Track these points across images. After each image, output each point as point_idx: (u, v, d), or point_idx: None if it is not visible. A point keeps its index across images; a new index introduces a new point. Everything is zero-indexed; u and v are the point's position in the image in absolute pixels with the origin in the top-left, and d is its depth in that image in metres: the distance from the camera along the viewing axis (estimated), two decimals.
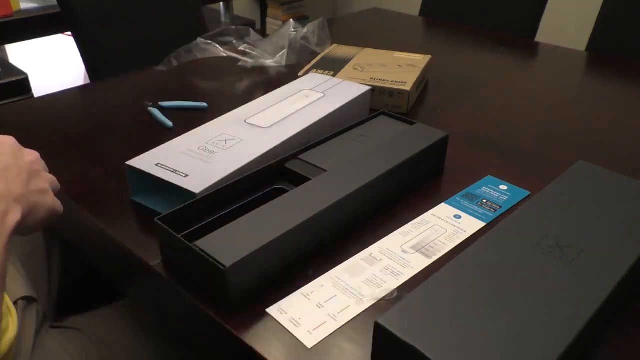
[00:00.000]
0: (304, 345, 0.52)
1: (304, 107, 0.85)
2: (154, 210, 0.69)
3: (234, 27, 1.27)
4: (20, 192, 0.50)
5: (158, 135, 0.89)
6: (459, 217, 0.70)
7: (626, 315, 0.56)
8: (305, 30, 1.26)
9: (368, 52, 1.14)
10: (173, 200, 0.67)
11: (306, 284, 0.58)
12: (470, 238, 0.66)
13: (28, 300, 0.74)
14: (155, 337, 0.78)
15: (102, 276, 0.84)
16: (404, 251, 0.63)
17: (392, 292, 0.58)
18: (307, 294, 0.57)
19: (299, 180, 0.68)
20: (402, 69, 1.05)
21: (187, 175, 0.66)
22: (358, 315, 0.55)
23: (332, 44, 1.22)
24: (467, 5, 1.64)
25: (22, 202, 0.50)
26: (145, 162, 0.69)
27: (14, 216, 0.48)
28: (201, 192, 0.64)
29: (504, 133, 0.94)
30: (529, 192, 0.75)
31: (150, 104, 0.96)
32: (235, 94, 1.07)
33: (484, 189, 0.76)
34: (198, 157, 0.70)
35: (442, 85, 1.13)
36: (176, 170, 0.67)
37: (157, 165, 0.68)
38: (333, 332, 0.53)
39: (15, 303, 0.71)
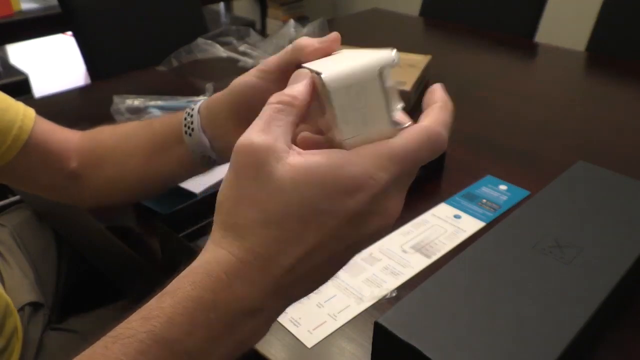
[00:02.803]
0: (304, 345, 0.52)
1: None
2: (154, 210, 0.69)
3: (234, 27, 1.27)
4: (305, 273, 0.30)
5: None
6: (459, 217, 0.70)
7: (626, 315, 0.56)
8: (305, 30, 1.26)
9: None
10: (173, 200, 0.67)
11: None
12: (470, 238, 0.66)
13: (35, 306, 0.73)
14: None
15: (102, 276, 0.84)
16: (403, 251, 0.63)
17: (392, 292, 0.58)
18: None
19: None
20: (402, 69, 1.04)
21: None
22: (358, 315, 0.55)
23: None
24: (467, 5, 1.63)
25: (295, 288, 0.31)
26: None
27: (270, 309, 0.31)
28: (201, 192, 0.64)
29: (504, 133, 0.94)
30: (529, 192, 0.75)
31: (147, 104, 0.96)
32: None
33: (484, 189, 0.76)
34: None
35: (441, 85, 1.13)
36: None
37: None
38: (333, 332, 0.53)
39: (22, 309, 0.71)
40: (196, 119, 0.54)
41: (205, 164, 0.57)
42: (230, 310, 0.29)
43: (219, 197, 0.31)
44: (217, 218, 0.31)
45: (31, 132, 0.59)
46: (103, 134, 0.63)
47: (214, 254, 0.30)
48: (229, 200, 0.30)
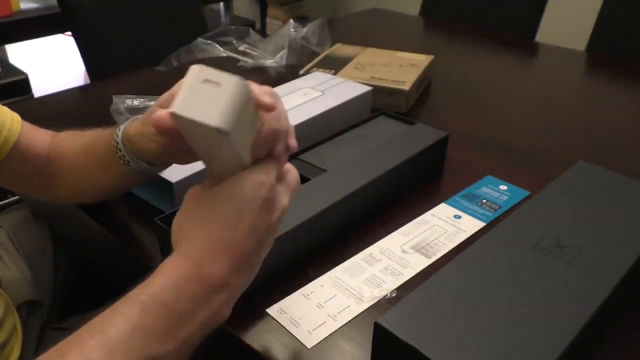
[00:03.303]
0: (304, 345, 0.52)
1: (300, 104, 0.85)
2: (154, 208, 0.69)
3: (234, 27, 1.27)
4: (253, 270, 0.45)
5: None
6: (459, 217, 0.70)
7: (626, 315, 0.56)
8: (305, 30, 1.26)
9: (371, 51, 1.13)
10: (166, 196, 0.67)
11: (306, 284, 0.58)
12: (470, 238, 0.66)
13: (33, 304, 0.73)
14: None
15: (101, 276, 0.84)
16: (403, 251, 0.63)
17: (392, 292, 0.58)
18: (307, 294, 0.57)
19: None
20: (403, 68, 1.04)
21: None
22: (358, 315, 0.55)
23: (332, 44, 1.22)
24: (467, 5, 1.63)
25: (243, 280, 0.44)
26: None
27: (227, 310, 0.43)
28: (178, 182, 0.64)
29: (504, 133, 0.94)
30: (529, 192, 0.75)
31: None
32: None
33: (484, 189, 0.76)
34: None
35: (441, 85, 1.13)
36: None
37: None
38: (333, 332, 0.53)
39: (19, 307, 0.71)
40: (125, 151, 0.56)
41: (153, 175, 0.61)
42: (206, 282, 0.40)
43: (174, 225, 0.44)
44: (174, 240, 0.43)
45: (18, 136, 0.62)
46: (64, 143, 0.66)
47: (178, 256, 0.41)
48: (181, 227, 0.43)
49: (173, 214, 0.60)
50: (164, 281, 0.39)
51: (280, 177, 0.45)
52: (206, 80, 0.38)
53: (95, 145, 0.61)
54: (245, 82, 0.38)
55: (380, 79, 0.99)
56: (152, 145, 0.52)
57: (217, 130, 0.37)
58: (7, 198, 0.99)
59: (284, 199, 0.44)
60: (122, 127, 0.56)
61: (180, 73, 0.41)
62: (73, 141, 0.65)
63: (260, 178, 0.42)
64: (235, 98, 0.37)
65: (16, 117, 0.64)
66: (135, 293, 0.38)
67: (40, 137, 0.66)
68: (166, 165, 0.60)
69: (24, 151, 0.63)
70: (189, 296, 0.39)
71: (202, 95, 0.37)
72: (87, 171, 0.62)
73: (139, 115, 0.57)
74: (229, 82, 0.37)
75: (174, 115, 0.38)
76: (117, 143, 0.56)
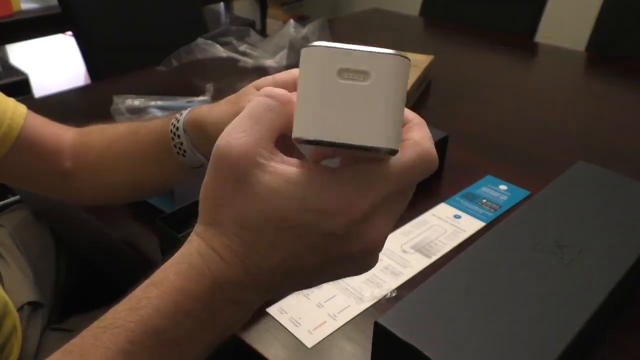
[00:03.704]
0: (304, 345, 0.52)
1: None
2: (155, 209, 0.69)
3: (234, 27, 1.27)
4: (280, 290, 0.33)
5: None
6: (459, 217, 0.70)
7: (626, 314, 0.56)
8: (305, 30, 1.26)
9: None
10: (170, 197, 0.67)
11: None
12: (470, 238, 0.66)
13: (34, 305, 0.73)
14: None
15: (101, 276, 0.84)
16: (404, 251, 0.63)
17: (392, 292, 0.58)
18: (307, 294, 0.57)
19: None
20: None
21: None
22: (358, 315, 0.55)
23: None
24: (467, 5, 1.63)
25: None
26: None
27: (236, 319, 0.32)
28: (184, 187, 0.64)
29: (504, 133, 0.94)
30: (529, 192, 0.75)
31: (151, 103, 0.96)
32: None
33: (484, 189, 0.76)
34: None
35: (441, 85, 1.13)
36: None
37: None
38: (333, 332, 0.53)
39: (21, 308, 0.71)
40: (185, 139, 0.52)
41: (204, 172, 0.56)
42: (215, 300, 0.30)
43: (202, 192, 0.31)
44: (200, 212, 0.31)
45: (21, 129, 0.58)
46: (92, 136, 0.62)
47: (197, 247, 0.31)
48: (209, 199, 0.31)
49: (173, 214, 0.61)
50: (161, 292, 0.30)
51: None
52: (344, 70, 0.25)
53: (139, 133, 0.56)
54: (405, 59, 0.26)
55: None
56: (216, 136, 0.43)
57: (381, 150, 0.26)
58: (7, 198, 0.99)
59: (382, 223, 0.30)
60: (184, 112, 0.52)
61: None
62: (102, 134, 0.60)
63: (348, 195, 0.29)
64: (396, 91, 0.25)
65: (21, 109, 0.60)
66: (125, 316, 0.30)
67: (53, 133, 0.61)
68: None
69: (31, 147, 0.59)
70: (192, 320, 0.30)
71: (342, 97, 0.25)
72: (121, 164, 0.58)
73: (204, 105, 0.51)
74: (385, 65, 0.25)
75: (300, 140, 0.27)
76: (177, 129, 0.51)
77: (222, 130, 0.31)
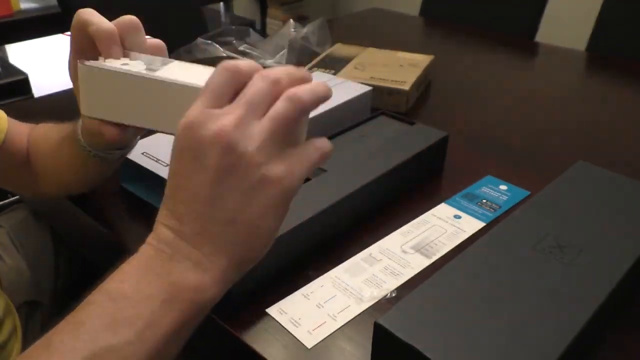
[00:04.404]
0: (304, 345, 0.52)
1: None
2: (155, 208, 0.69)
3: (234, 27, 1.27)
4: (219, 234, 0.35)
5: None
6: (459, 217, 0.70)
7: (626, 315, 0.56)
8: (305, 30, 1.26)
9: (371, 51, 1.13)
10: (160, 191, 0.67)
11: (306, 284, 0.58)
12: (470, 238, 0.66)
13: (33, 305, 0.73)
14: None
15: (101, 275, 0.84)
16: (403, 251, 0.63)
17: (392, 292, 0.58)
18: (307, 294, 0.57)
19: None
20: (403, 68, 1.04)
21: (167, 165, 0.66)
22: (358, 315, 0.55)
23: (332, 44, 1.22)
24: (467, 5, 1.63)
25: (224, 251, 0.35)
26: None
27: (195, 277, 0.35)
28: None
29: (504, 133, 0.94)
30: (529, 192, 0.75)
31: None
32: None
33: (484, 189, 0.76)
34: None
35: (441, 85, 1.13)
36: (159, 160, 0.68)
37: (142, 154, 0.69)
38: (333, 332, 0.53)
39: (20, 308, 0.71)
40: (85, 144, 0.57)
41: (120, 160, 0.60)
42: (150, 258, 0.35)
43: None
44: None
45: (6, 134, 0.63)
46: (35, 132, 0.66)
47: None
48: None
49: None
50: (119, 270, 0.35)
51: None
52: None
53: (64, 139, 0.61)
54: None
55: (380, 79, 0.99)
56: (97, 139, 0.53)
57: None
58: (7, 198, 0.99)
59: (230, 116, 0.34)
60: (80, 120, 0.57)
61: None
62: (47, 136, 0.65)
63: (184, 116, 0.34)
64: None
65: (3, 115, 0.64)
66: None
67: (24, 132, 0.66)
68: (125, 146, 0.59)
69: (11, 149, 0.63)
70: (135, 277, 0.34)
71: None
72: (61, 164, 0.62)
73: None
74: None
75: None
76: (79, 135, 0.57)
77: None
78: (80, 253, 0.86)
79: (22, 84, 1.87)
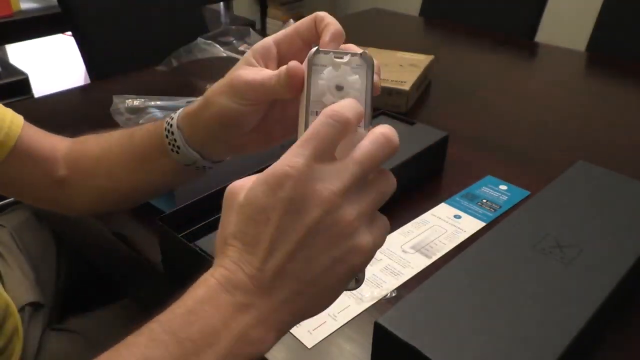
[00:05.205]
0: (304, 345, 0.52)
1: None
2: (155, 209, 0.69)
3: (234, 27, 1.27)
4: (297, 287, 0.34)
5: None
6: (459, 217, 0.70)
7: (626, 315, 0.56)
8: None
9: (371, 51, 1.13)
10: (170, 197, 0.67)
11: None
12: (470, 238, 0.66)
13: (35, 306, 0.73)
14: None
15: (102, 276, 0.84)
16: (404, 251, 0.63)
17: (392, 292, 0.58)
18: None
19: None
20: (403, 68, 1.05)
21: None
22: (358, 315, 0.55)
23: None
24: (467, 5, 1.63)
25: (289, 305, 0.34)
26: None
27: (258, 334, 0.33)
28: (184, 187, 0.64)
29: (504, 133, 0.94)
30: (529, 192, 0.75)
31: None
32: None
33: (484, 189, 0.76)
34: None
35: (442, 85, 1.13)
36: None
37: None
38: (333, 332, 0.53)
39: (22, 309, 0.71)
40: (178, 135, 0.53)
41: (199, 172, 0.56)
42: (222, 302, 0.33)
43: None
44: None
45: (18, 138, 0.59)
46: (88, 143, 0.62)
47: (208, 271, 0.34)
48: (218, 236, 0.35)
49: (173, 214, 0.61)
50: (180, 303, 0.33)
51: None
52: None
53: (134, 135, 0.58)
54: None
55: (380, 79, 0.99)
56: (231, 106, 0.47)
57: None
58: (8, 198, 0.99)
59: (351, 208, 0.33)
60: (179, 111, 0.54)
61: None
62: (98, 140, 0.61)
63: (286, 164, 0.32)
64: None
65: (18, 120, 0.61)
66: (148, 324, 0.33)
67: (49, 143, 0.62)
68: (217, 157, 0.55)
69: (27, 157, 0.60)
70: (204, 321, 0.32)
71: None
72: (116, 168, 0.59)
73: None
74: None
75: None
76: (170, 126, 0.53)
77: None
78: (81, 254, 0.86)
79: (22, 84, 1.87)
